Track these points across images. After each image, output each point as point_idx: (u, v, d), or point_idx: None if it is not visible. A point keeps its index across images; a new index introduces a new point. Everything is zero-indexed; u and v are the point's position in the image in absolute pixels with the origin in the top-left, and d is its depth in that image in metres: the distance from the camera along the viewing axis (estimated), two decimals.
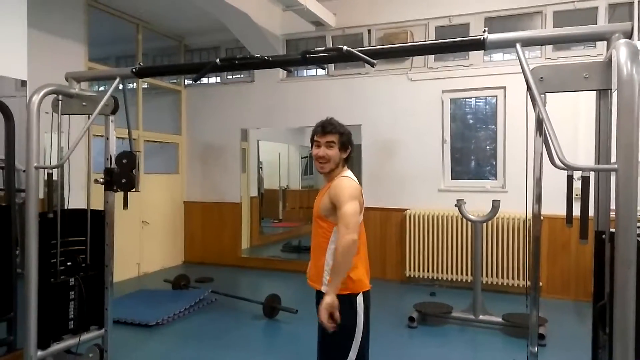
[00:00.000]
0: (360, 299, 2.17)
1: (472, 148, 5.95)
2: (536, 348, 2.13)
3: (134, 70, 2.84)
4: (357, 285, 2.18)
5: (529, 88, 1.93)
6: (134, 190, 2.93)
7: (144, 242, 6.44)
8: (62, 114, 2.87)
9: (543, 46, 5.25)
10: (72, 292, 3.00)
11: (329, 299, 2.01)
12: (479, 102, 5.91)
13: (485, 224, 4.77)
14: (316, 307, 2.18)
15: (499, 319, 4.17)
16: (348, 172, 2.28)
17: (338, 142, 2.25)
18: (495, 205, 4.24)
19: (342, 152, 2.28)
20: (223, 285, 5.57)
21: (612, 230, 1.71)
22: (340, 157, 2.28)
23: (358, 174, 6.10)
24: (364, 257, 2.26)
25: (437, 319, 4.42)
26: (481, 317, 4.25)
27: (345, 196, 2.12)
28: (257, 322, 4.48)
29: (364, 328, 2.17)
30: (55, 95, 2.83)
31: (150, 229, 6.51)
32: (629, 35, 1.86)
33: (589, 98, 2.07)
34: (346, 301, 2.13)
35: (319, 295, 2.18)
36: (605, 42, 1.96)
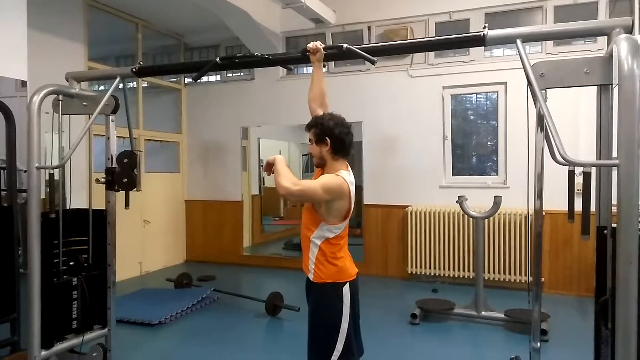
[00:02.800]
0: (346, 289, 2.16)
1: (473, 144, 5.94)
2: (538, 344, 2.13)
3: (134, 69, 2.85)
4: (343, 274, 2.18)
5: (529, 84, 1.93)
6: (135, 189, 2.94)
7: (145, 241, 6.45)
8: (62, 114, 2.88)
9: (544, 41, 5.24)
10: (75, 292, 3.01)
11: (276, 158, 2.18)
12: (480, 97, 5.90)
13: (487, 220, 4.76)
14: (305, 293, 2.31)
15: (502, 315, 4.18)
16: (343, 172, 2.15)
17: (314, 137, 2.20)
18: (497, 201, 4.24)
19: (321, 146, 2.18)
20: (225, 284, 5.58)
21: (614, 225, 1.71)
22: (321, 151, 2.19)
23: (359, 171, 6.12)
24: (347, 250, 2.27)
25: (440, 315, 4.43)
26: (483, 313, 4.26)
27: (323, 184, 2.09)
28: (259, 320, 4.48)
29: (351, 319, 2.16)
30: (56, 95, 2.83)
31: (151, 228, 6.52)
32: (629, 30, 1.86)
33: (591, 93, 2.07)
34: (332, 290, 2.16)
35: (308, 282, 2.26)
36: (606, 37, 1.95)
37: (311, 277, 2.21)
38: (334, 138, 2.16)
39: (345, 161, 2.24)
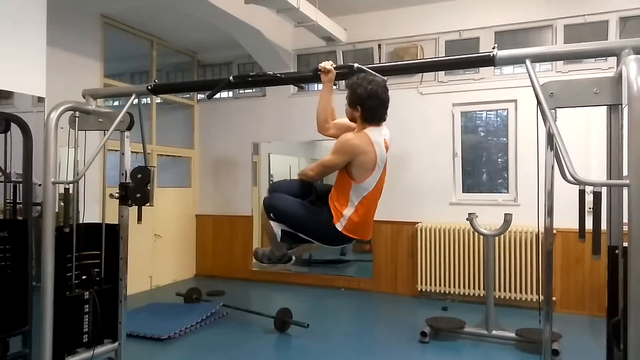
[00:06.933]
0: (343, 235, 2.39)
1: (483, 161, 5.94)
2: None
3: (149, 87, 2.91)
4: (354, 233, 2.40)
5: (539, 103, 1.95)
6: (148, 204, 2.97)
7: (156, 255, 6.48)
8: (78, 130, 2.93)
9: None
10: (87, 306, 3.02)
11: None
12: (490, 115, 5.91)
13: (497, 237, 4.72)
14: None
15: (512, 334, 4.12)
16: (367, 129, 2.30)
17: (347, 99, 2.35)
18: (507, 218, 4.22)
19: (353, 110, 2.32)
20: (234, 299, 5.57)
21: (625, 244, 1.70)
22: (353, 114, 2.33)
23: None
24: (370, 210, 2.41)
25: (450, 334, 4.38)
26: (494, 332, 4.21)
27: (333, 148, 2.30)
28: (268, 336, 4.47)
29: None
30: (73, 111, 2.89)
31: (162, 242, 6.56)
32: (638, 50, 1.87)
33: (602, 112, 2.07)
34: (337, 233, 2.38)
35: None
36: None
37: (339, 226, 2.35)
38: (364, 109, 2.28)
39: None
